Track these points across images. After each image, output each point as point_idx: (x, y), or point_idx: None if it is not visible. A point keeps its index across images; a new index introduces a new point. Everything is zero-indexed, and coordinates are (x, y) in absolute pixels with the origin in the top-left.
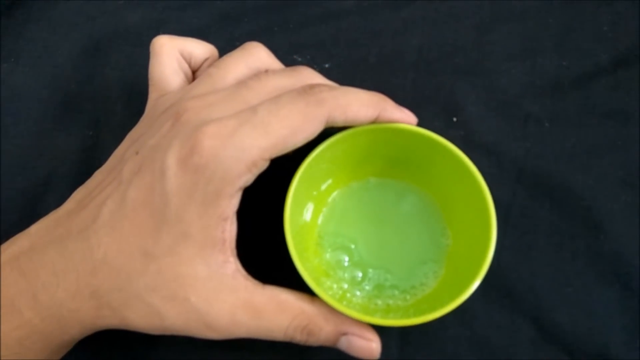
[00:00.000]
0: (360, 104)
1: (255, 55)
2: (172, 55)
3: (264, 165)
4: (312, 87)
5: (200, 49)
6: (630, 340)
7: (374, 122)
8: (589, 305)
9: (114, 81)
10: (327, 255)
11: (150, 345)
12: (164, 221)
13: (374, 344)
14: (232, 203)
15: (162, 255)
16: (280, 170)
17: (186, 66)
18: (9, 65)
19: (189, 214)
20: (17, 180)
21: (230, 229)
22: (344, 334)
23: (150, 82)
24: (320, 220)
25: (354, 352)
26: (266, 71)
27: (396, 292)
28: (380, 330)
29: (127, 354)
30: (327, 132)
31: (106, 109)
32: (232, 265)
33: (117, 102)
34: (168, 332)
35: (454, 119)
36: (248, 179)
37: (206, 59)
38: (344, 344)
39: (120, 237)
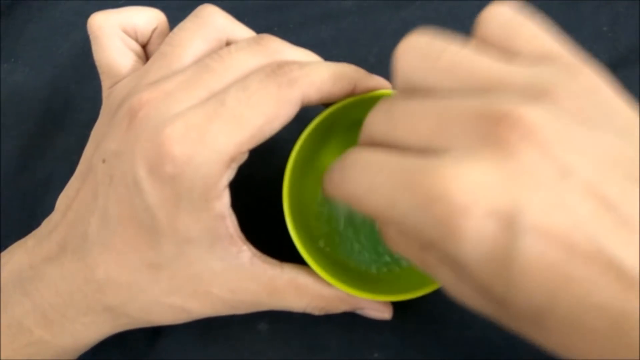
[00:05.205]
0: (335, 78)
1: (211, 25)
2: (113, 34)
3: (243, 157)
4: (280, 66)
5: (143, 19)
6: None
7: (351, 95)
8: None
9: None
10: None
11: (150, 345)
12: (158, 234)
13: (386, 314)
14: (223, 202)
15: (170, 262)
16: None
17: (133, 43)
18: (9, 65)
19: (182, 223)
20: (17, 180)
21: (232, 223)
22: (360, 309)
23: (99, 70)
24: (317, 201)
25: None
26: (228, 46)
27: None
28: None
29: (127, 353)
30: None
31: None
32: (247, 252)
33: None
34: (195, 319)
35: None
36: (230, 174)
37: (154, 29)
38: (359, 312)
39: (117, 255)
